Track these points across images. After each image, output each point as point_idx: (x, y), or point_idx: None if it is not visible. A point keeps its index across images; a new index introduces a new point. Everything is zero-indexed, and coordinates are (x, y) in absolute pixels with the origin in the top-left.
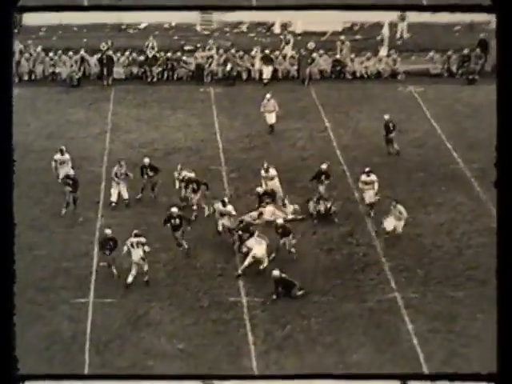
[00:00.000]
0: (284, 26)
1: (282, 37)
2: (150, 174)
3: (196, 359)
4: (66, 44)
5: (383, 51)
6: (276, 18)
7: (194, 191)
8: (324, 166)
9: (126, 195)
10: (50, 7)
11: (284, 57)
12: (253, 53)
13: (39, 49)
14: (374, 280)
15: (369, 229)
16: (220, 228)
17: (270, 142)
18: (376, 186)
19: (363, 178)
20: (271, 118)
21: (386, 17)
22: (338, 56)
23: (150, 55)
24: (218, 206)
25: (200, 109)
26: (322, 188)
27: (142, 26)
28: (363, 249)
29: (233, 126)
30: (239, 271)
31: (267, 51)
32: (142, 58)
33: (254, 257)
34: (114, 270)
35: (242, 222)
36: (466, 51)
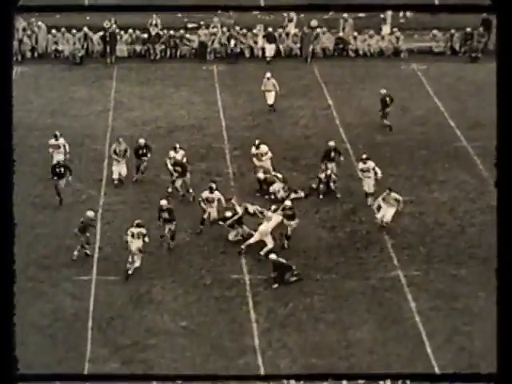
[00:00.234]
0: None
1: (284, 15)
2: (146, 155)
3: (198, 337)
4: (68, 21)
5: (386, 29)
6: None
7: (179, 174)
8: (332, 144)
9: (124, 172)
10: (51, 7)
11: (287, 35)
12: (256, 31)
13: (42, 26)
14: (377, 258)
15: (372, 207)
16: (205, 216)
17: (272, 120)
18: (377, 172)
19: (360, 165)
20: (271, 98)
21: None
22: (340, 34)
23: (153, 33)
24: (205, 193)
25: (203, 87)
26: (333, 166)
27: None
28: (366, 227)
29: (236, 104)
30: (242, 247)
31: (270, 29)
32: (145, 35)
33: (260, 233)
34: (88, 251)
35: (246, 209)
36: (468, 29)
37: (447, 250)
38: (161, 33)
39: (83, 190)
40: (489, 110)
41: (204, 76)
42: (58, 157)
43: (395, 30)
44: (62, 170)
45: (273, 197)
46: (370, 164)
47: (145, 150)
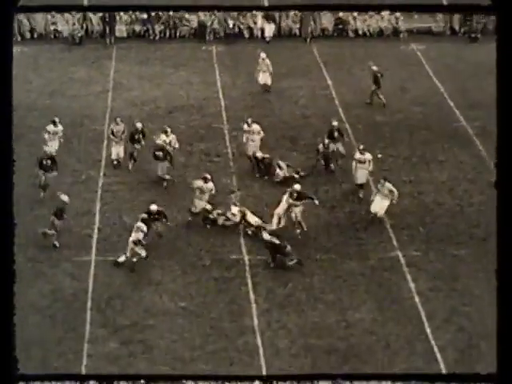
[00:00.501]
0: None
1: None
2: (140, 141)
3: (198, 317)
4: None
5: None
6: None
7: (159, 159)
8: (335, 123)
9: (121, 153)
10: (51, 7)
11: (286, 15)
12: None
13: None
14: (376, 238)
15: (371, 187)
16: (194, 209)
17: (271, 100)
18: (371, 165)
19: (357, 155)
20: (264, 78)
21: None
22: (340, 14)
23: (153, 13)
24: (199, 182)
25: (202, 67)
26: (338, 146)
27: None
28: (365, 207)
29: (235, 84)
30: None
31: None
32: (144, 15)
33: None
34: (56, 242)
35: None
36: None
37: (446, 230)
38: (160, 13)
39: (82, 171)
40: (488, 90)
41: (203, 56)
42: (54, 144)
43: None
44: (50, 163)
45: (277, 180)
46: (367, 155)
47: (140, 135)
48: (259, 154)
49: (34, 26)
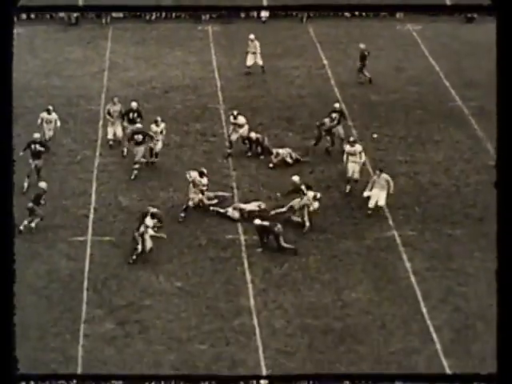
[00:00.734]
0: None
1: None
2: (136, 121)
3: (194, 297)
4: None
5: None
6: None
7: (138, 143)
8: (337, 105)
9: (119, 133)
10: (51, 7)
11: None
12: None
13: None
14: (372, 218)
15: (367, 167)
16: (191, 203)
17: (267, 80)
18: (362, 157)
19: (347, 148)
20: (251, 59)
21: None
22: None
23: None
24: (194, 174)
25: (198, 47)
26: (338, 128)
27: None
28: (361, 186)
29: (231, 65)
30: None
31: None
32: None
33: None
34: (33, 224)
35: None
36: None
37: (442, 209)
38: None
39: (78, 151)
40: (484, 70)
41: (199, 36)
42: (49, 133)
43: None
44: (41, 148)
45: (279, 158)
46: (358, 147)
47: (136, 115)
48: (253, 135)
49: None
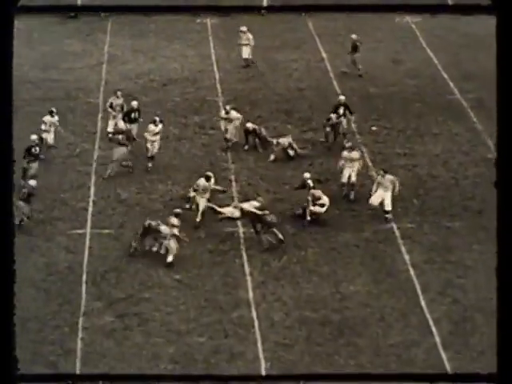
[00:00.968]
0: None
1: None
2: (137, 120)
3: (193, 290)
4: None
5: None
6: None
7: (118, 143)
8: (342, 98)
9: (122, 127)
10: (51, 8)
11: None
12: None
13: None
14: (371, 210)
15: (365, 160)
16: (201, 208)
17: (266, 73)
18: (360, 164)
19: (344, 154)
20: (246, 52)
21: None
22: None
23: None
24: (201, 180)
25: (196, 40)
26: (336, 119)
27: None
28: (360, 179)
29: (229, 57)
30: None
31: None
32: None
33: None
34: (23, 223)
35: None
36: None
37: (441, 202)
38: None
39: (77, 144)
40: (482, 63)
41: (197, 29)
42: (51, 137)
43: None
44: (38, 150)
45: (279, 148)
46: (355, 154)
47: (137, 114)
48: (249, 125)
49: None
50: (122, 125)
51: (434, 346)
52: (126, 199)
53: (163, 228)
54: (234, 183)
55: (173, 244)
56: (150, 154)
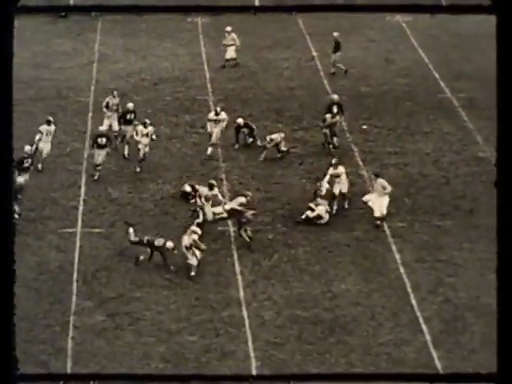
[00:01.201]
0: None
1: None
2: (132, 122)
3: (183, 289)
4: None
5: None
6: None
7: (100, 146)
8: (335, 96)
9: (116, 127)
10: (51, 8)
11: None
12: None
13: None
14: (362, 209)
15: (356, 158)
16: (210, 217)
17: (257, 72)
18: (345, 178)
19: (331, 171)
20: (230, 53)
21: None
22: None
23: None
24: (203, 189)
25: (187, 39)
26: (331, 119)
27: None
28: (350, 178)
29: (220, 56)
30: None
31: None
32: None
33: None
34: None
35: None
36: None
37: (432, 201)
38: None
39: (68, 143)
40: (473, 62)
41: (188, 28)
42: (47, 147)
43: None
44: (30, 162)
45: (272, 144)
46: (341, 169)
47: (133, 116)
48: (240, 120)
49: None
50: (115, 125)
51: (424, 345)
52: (117, 198)
53: (169, 244)
54: (224, 182)
55: (194, 259)
56: (139, 157)
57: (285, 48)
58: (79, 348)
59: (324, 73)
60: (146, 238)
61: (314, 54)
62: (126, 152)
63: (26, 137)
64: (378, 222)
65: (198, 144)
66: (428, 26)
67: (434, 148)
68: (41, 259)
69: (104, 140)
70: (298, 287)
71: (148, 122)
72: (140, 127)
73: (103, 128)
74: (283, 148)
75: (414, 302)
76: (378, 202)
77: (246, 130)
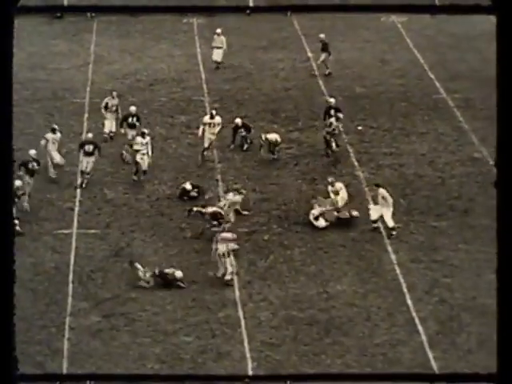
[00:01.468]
0: None
1: None
2: (135, 126)
3: (179, 290)
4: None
5: None
6: None
7: (87, 154)
8: (332, 100)
9: (113, 128)
10: (51, 8)
11: None
12: None
13: None
14: (357, 210)
15: (351, 159)
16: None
17: (252, 73)
18: (344, 192)
19: (329, 188)
20: (218, 55)
21: None
22: None
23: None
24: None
25: (183, 40)
26: (336, 123)
27: None
28: (347, 179)
29: None
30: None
31: None
32: None
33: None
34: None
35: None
36: None
37: (427, 201)
38: None
39: (63, 144)
40: (468, 62)
41: (184, 29)
42: (57, 157)
43: None
44: (36, 166)
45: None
46: (338, 185)
47: (135, 119)
48: (238, 120)
49: None
50: (113, 126)
51: (420, 345)
52: (113, 199)
53: (178, 273)
54: (220, 183)
55: (230, 265)
56: (143, 168)
57: (280, 49)
58: (75, 349)
59: (319, 73)
60: (157, 271)
61: (310, 54)
62: (129, 158)
63: (21, 138)
64: (375, 226)
65: (193, 145)
66: (423, 27)
67: (429, 149)
68: (36, 260)
69: (91, 147)
70: (294, 288)
71: (146, 131)
72: (139, 138)
73: (106, 130)
74: (277, 148)
75: (409, 302)
76: (378, 212)
77: (243, 131)
